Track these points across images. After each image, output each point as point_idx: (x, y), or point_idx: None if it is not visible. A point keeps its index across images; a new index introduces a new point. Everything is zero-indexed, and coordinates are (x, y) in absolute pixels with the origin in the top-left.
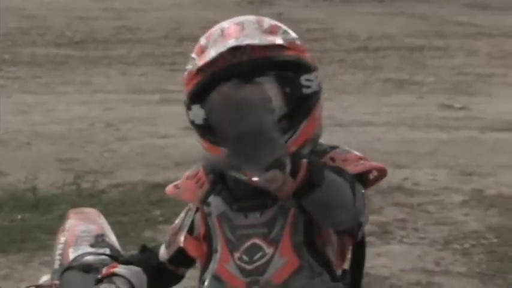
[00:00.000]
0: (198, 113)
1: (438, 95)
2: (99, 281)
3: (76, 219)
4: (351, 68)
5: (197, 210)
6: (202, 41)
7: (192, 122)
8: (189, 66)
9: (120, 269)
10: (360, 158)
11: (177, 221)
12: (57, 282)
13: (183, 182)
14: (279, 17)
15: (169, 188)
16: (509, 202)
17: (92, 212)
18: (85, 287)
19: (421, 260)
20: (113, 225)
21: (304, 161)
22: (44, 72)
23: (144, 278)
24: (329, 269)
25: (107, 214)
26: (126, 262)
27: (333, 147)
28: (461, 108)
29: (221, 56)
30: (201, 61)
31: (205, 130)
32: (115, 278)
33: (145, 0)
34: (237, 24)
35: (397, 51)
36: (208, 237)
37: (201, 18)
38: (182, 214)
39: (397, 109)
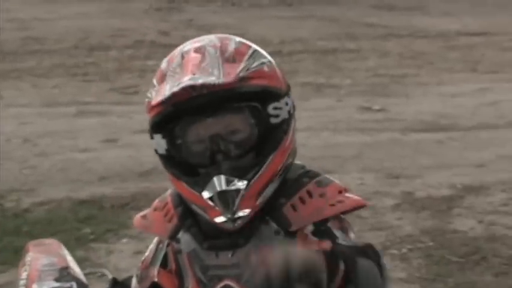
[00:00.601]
0: (161, 143)
1: (356, 98)
2: None
3: (37, 252)
4: None
5: (167, 244)
6: (163, 65)
7: (156, 151)
8: (150, 93)
9: None
10: (340, 192)
11: (147, 254)
12: None
13: (151, 213)
14: (189, 23)
15: (136, 219)
16: (439, 204)
17: (53, 243)
18: None
19: None
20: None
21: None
22: None
23: None
24: None
25: (34, 234)
26: None
27: (313, 176)
28: (380, 110)
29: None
30: (158, 97)
31: (168, 161)
32: None
33: (50, 9)
34: (198, 50)
35: (311, 55)
36: (179, 275)
37: (109, 27)
38: (152, 246)
39: (317, 113)
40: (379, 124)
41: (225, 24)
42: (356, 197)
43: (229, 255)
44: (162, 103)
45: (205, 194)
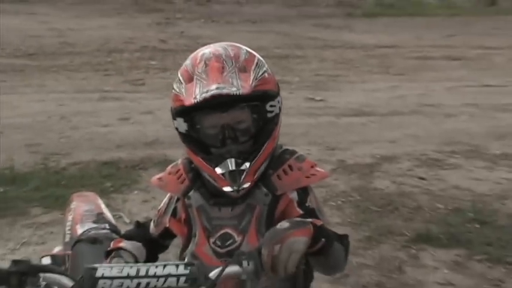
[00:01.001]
0: (182, 124)
1: (303, 91)
2: (108, 253)
3: (79, 201)
4: None
5: (178, 199)
6: (189, 65)
7: (176, 129)
8: (177, 86)
9: (125, 244)
10: (312, 166)
11: (161, 205)
12: (69, 252)
13: (166, 176)
14: (181, 34)
15: (154, 180)
16: (364, 169)
17: (91, 195)
18: (93, 256)
19: None
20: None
21: (323, 239)
22: (8, 77)
23: (144, 251)
24: None
25: (69, 186)
26: (129, 237)
27: (291, 153)
28: (321, 100)
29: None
30: (190, 97)
31: (187, 138)
32: (122, 252)
33: (80, 22)
34: (218, 59)
35: (270, 59)
36: (188, 223)
37: (123, 36)
38: (166, 200)
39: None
40: (320, 110)
41: (207, 35)
42: (322, 171)
43: (230, 210)
44: (195, 104)
45: (219, 170)
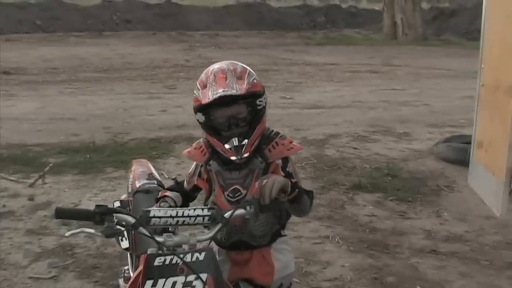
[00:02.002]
0: (201, 117)
1: (278, 92)
2: (158, 200)
3: (137, 165)
4: None
5: (201, 165)
6: (203, 77)
7: (197, 120)
8: (196, 92)
9: (169, 193)
10: (291, 142)
11: (191, 170)
12: (131, 199)
13: (192, 150)
14: (199, 56)
15: (184, 152)
16: (318, 142)
17: (144, 161)
18: (147, 202)
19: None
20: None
21: (297, 190)
22: (91, 85)
23: (180, 199)
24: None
25: (130, 154)
26: (171, 189)
27: (276, 134)
28: (290, 98)
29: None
30: (205, 98)
31: (205, 126)
32: (167, 198)
33: (135, 49)
34: (222, 72)
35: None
36: (209, 181)
37: (162, 57)
38: (193, 166)
39: None
40: (290, 105)
41: (216, 56)
42: (298, 145)
43: (238, 173)
44: (209, 103)
45: (227, 146)
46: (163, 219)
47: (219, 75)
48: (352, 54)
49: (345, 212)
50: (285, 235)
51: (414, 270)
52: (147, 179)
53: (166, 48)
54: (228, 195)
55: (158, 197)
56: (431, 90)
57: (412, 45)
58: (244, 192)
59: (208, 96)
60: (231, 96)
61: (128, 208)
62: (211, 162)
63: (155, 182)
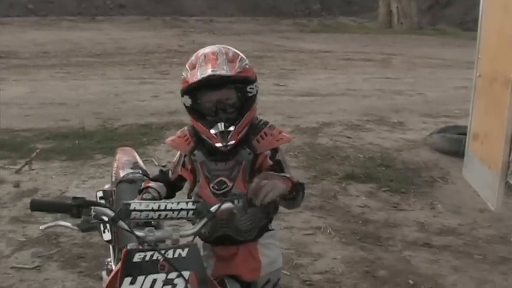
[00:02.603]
0: (187, 100)
1: (272, 79)
2: (140, 191)
3: (121, 154)
4: None
5: (185, 155)
6: (193, 59)
7: (184, 104)
8: (184, 73)
9: (152, 183)
10: (280, 132)
11: (175, 159)
12: (114, 189)
13: (176, 139)
14: (193, 42)
15: (168, 141)
16: (311, 130)
17: (130, 149)
18: (130, 192)
19: None
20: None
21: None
22: (83, 70)
23: (165, 189)
24: None
25: (119, 140)
26: (155, 179)
27: (265, 123)
28: (284, 85)
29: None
30: (194, 78)
31: (191, 110)
32: (149, 189)
33: (128, 34)
34: (214, 53)
35: (250, 58)
36: (193, 172)
37: (155, 43)
38: (177, 155)
39: None
40: (283, 92)
41: (210, 42)
42: (287, 136)
43: (224, 164)
44: (197, 82)
45: (212, 131)
46: (144, 213)
47: (210, 56)
48: (347, 42)
49: (337, 202)
50: (272, 229)
51: (407, 263)
52: (132, 168)
53: (159, 34)
54: (213, 187)
55: (141, 188)
56: (425, 80)
57: (407, 34)
58: (230, 184)
59: (197, 75)
60: (220, 77)
61: (110, 199)
62: (195, 152)
63: (140, 172)
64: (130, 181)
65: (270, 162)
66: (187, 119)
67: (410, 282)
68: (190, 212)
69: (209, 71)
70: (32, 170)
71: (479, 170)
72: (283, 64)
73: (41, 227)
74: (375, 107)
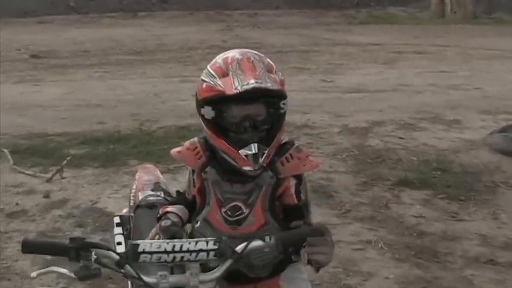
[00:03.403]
0: (209, 112)
1: (319, 75)
2: (159, 219)
3: (142, 173)
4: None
5: (193, 171)
6: (221, 63)
7: (202, 116)
8: (208, 79)
9: (170, 208)
10: (307, 157)
11: (187, 179)
12: (132, 214)
13: (185, 151)
14: (236, 37)
15: (174, 152)
16: (361, 131)
17: (152, 167)
18: (150, 219)
19: (321, 165)
20: (160, 151)
21: None
22: (122, 68)
23: (186, 211)
24: (281, 225)
25: (156, 144)
26: (173, 203)
27: (291, 144)
28: (331, 82)
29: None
30: (230, 88)
31: (212, 124)
32: (169, 215)
33: (170, 30)
34: (248, 60)
35: (296, 53)
36: (203, 193)
37: (197, 38)
38: (187, 175)
39: (300, 83)
40: (331, 89)
41: (254, 37)
42: (315, 161)
43: (241, 187)
44: (237, 94)
45: (243, 152)
46: (155, 256)
47: (245, 63)
48: (397, 33)
49: (389, 212)
50: (296, 261)
51: (468, 284)
52: (152, 190)
53: (202, 29)
54: (225, 212)
55: (159, 215)
56: (483, 73)
57: (461, 24)
58: (246, 211)
59: (235, 86)
60: (266, 90)
61: (127, 226)
62: (207, 169)
63: (161, 194)
64: (151, 206)
65: (295, 199)
66: None
67: None
68: (212, 253)
69: (252, 82)
70: (64, 178)
71: None
72: (331, 58)
73: (32, 274)
74: (429, 103)
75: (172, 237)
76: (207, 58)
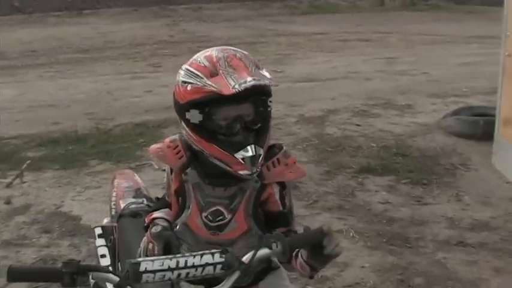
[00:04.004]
0: (196, 116)
1: (268, 66)
2: (147, 227)
3: (120, 179)
4: None
5: (171, 170)
6: (206, 63)
7: (187, 120)
8: (194, 80)
9: (156, 214)
10: (294, 163)
11: (165, 181)
12: (115, 224)
13: (165, 148)
14: (183, 31)
15: (153, 149)
16: (317, 120)
17: (130, 173)
18: (135, 228)
19: None
20: (119, 149)
21: None
22: (71, 67)
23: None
24: (263, 231)
25: (115, 142)
26: (157, 208)
27: (279, 148)
28: (281, 71)
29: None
30: (226, 88)
31: (200, 128)
32: (156, 221)
33: (117, 26)
34: (235, 57)
35: (244, 45)
36: (181, 194)
37: (145, 34)
38: (165, 175)
39: None
40: (281, 79)
41: (201, 31)
42: (302, 168)
43: (223, 190)
44: (236, 92)
45: (239, 156)
46: (159, 274)
47: (234, 61)
48: (340, 22)
49: (356, 200)
50: (278, 267)
51: (443, 267)
52: (134, 197)
53: (148, 24)
54: (206, 217)
55: (146, 224)
56: (426, 58)
57: (400, 11)
58: (228, 216)
59: (231, 85)
60: (263, 87)
61: (111, 237)
62: (188, 170)
63: (144, 201)
64: (134, 214)
65: (280, 207)
66: None
67: None
68: (219, 267)
69: (250, 80)
70: (24, 182)
71: None
72: (278, 49)
73: None
74: (379, 89)
75: (167, 243)
76: (157, 53)
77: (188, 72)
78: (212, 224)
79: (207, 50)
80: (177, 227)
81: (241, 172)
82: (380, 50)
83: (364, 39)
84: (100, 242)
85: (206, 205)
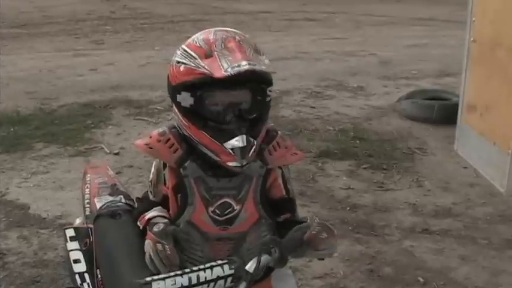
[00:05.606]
0: (187, 99)
1: None
2: (144, 230)
3: (92, 174)
4: (169, 33)
5: (165, 166)
6: (201, 43)
7: (178, 103)
8: (187, 60)
9: (151, 213)
10: (293, 145)
11: (152, 176)
12: (91, 226)
13: (155, 143)
14: (124, 7)
15: (141, 146)
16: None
17: (103, 166)
18: (115, 229)
19: None
20: (66, 132)
21: None
22: (7, 42)
23: (165, 210)
24: (272, 218)
25: (61, 124)
26: (146, 209)
27: (275, 131)
28: None
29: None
30: (218, 71)
31: (190, 113)
32: (154, 220)
33: (53, 2)
34: (234, 39)
35: (189, 22)
36: (180, 191)
37: (85, 9)
38: (153, 170)
39: None
40: None
41: (143, 7)
42: (301, 152)
43: (228, 181)
44: (227, 76)
45: (228, 145)
46: None
47: (232, 43)
48: (285, 1)
49: (317, 185)
50: None
51: (410, 256)
52: (110, 195)
53: (89, 0)
54: (213, 211)
55: (142, 227)
56: (374, 39)
57: None
58: (237, 207)
59: (224, 68)
60: (259, 73)
61: (86, 240)
62: (187, 164)
63: (122, 199)
64: (113, 214)
65: (283, 192)
66: (133, 94)
67: (420, 280)
68: (229, 280)
69: (245, 64)
70: None
71: (479, 146)
72: (224, 27)
73: None
74: (330, 70)
75: (175, 238)
76: (98, 30)
77: (183, 52)
78: (221, 218)
79: (208, 30)
80: (180, 226)
81: (229, 163)
82: (327, 30)
83: (311, 18)
84: (72, 245)
85: (212, 199)
